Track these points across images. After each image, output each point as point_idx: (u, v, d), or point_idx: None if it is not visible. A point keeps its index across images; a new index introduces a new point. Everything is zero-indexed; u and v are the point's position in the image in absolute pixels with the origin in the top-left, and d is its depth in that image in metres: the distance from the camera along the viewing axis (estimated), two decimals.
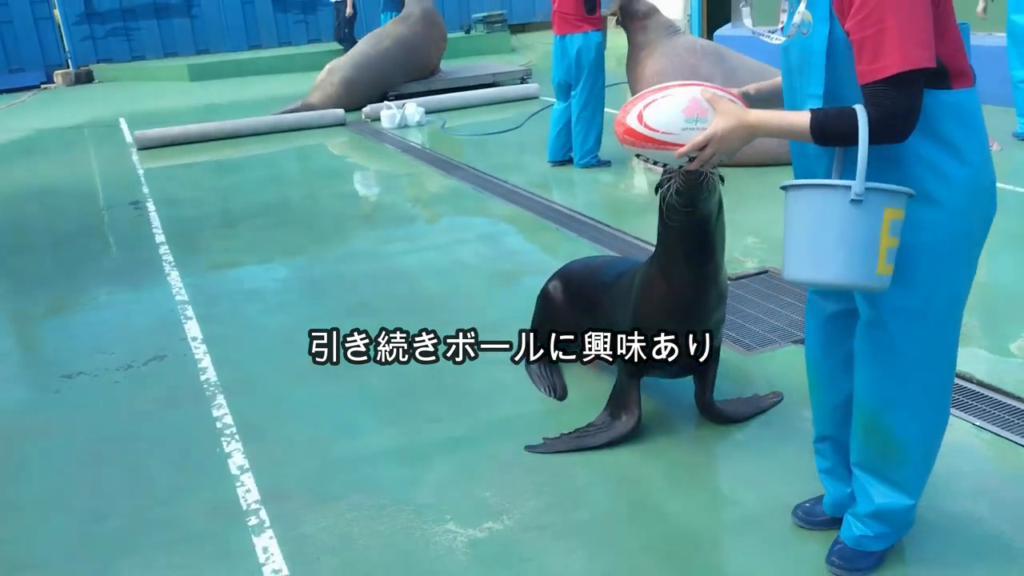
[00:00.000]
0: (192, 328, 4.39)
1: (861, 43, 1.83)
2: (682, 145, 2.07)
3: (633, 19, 7.08)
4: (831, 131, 1.90)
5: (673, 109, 2.08)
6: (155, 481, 3.05)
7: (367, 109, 10.72)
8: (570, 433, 3.09)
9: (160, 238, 6.09)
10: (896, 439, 2.14)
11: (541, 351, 3.39)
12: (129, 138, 10.18)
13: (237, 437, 3.29)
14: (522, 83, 12.21)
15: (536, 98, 11.35)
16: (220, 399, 3.61)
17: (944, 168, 1.92)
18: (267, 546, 2.64)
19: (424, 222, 6.24)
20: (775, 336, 3.83)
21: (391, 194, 7.14)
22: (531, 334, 3.67)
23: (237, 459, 3.14)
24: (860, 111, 1.86)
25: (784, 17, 2.09)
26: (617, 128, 2.19)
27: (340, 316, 4.43)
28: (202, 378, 3.83)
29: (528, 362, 3.65)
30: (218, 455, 3.19)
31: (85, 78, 16.96)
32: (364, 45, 11.58)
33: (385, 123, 10.14)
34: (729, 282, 3.26)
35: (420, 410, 3.41)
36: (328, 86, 11.05)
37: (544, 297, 3.72)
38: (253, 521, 2.77)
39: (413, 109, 10.20)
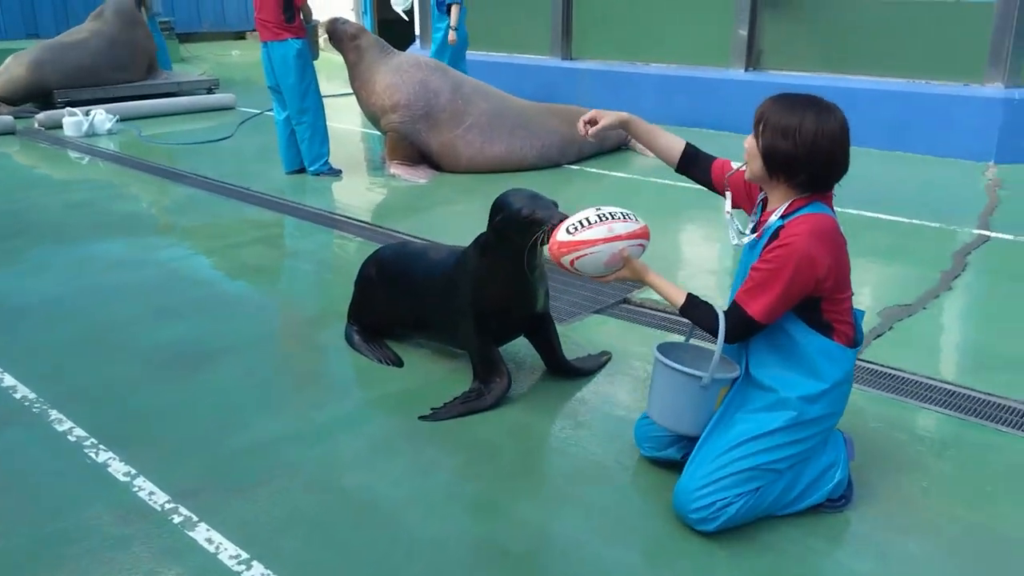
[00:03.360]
0: None
1: (752, 278, 2.51)
2: (595, 278, 2.83)
3: (343, 40, 7.41)
4: (693, 317, 2.66)
5: (597, 262, 2.74)
6: (34, 500, 2.76)
7: (42, 116, 9.67)
8: (454, 401, 3.37)
9: None
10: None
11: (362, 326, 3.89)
12: None
13: (103, 447, 3.06)
14: (210, 92, 11.80)
15: (233, 108, 11.06)
16: (56, 414, 3.29)
17: (810, 380, 2.58)
18: (210, 537, 2.57)
19: (183, 228, 5.93)
20: (577, 309, 4.42)
21: (127, 203, 6.62)
22: (355, 315, 3.94)
23: (118, 467, 2.94)
24: (721, 320, 2.54)
25: (751, 223, 2.70)
26: (550, 255, 2.82)
27: (146, 320, 4.21)
28: (16, 396, 3.43)
29: (353, 340, 3.89)
30: (92, 466, 2.95)
31: None
32: (62, 36, 11.07)
33: (69, 131, 9.23)
34: None
35: (297, 398, 3.45)
36: (16, 67, 10.09)
37: (362, 280, 3.95)
38: (177, 519, 2.65)
39: (103, 116, 9.41)
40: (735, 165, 2.86)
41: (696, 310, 2.63)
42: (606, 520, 2.67)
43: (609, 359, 3.78)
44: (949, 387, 3.48)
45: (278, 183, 7.22)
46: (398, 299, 3.76)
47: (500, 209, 3.21)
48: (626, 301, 4.51)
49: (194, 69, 14.50)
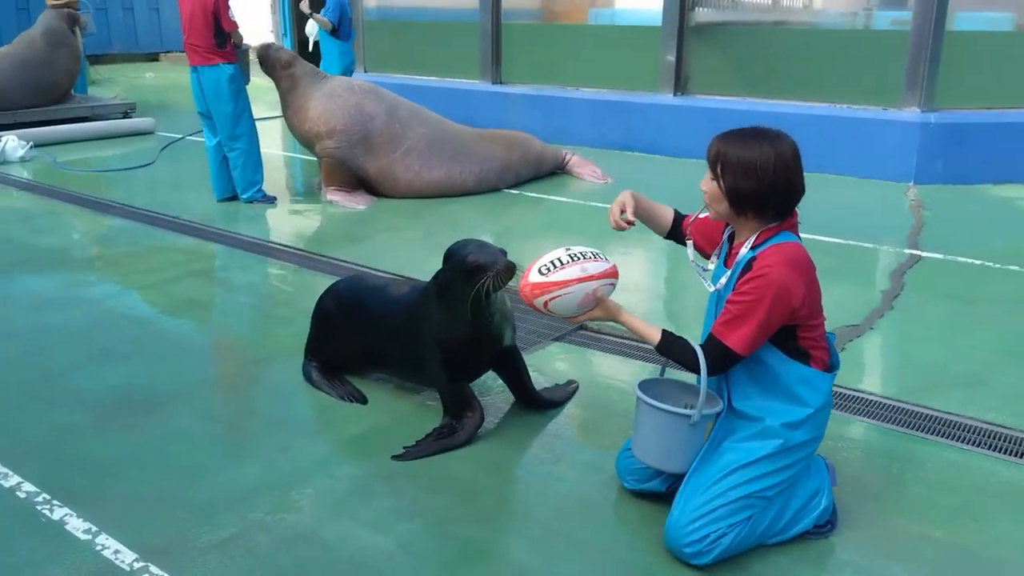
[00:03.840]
0: None
1: (728, 310, 2.52)
2: (567, 318, 2.76)
3: (275, 67, 7.27)
4: (672, 355, 2.64)
5: (571, 303, 2.69)
6: None
7: None
8: (426, 439, 3.28)
9: None
10: None
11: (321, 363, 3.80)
12: None
13: (57, 503, 2.86)
14: (126, 117, 11.38)
15: (152, 133, 10.68)
16: (1, 468, 3.06)
17: (792, 407, 2.60)
18: None
19: (113, 262, 5.65)
20: (536, 338, 4.39)
21: (49, 236, 6.27)
22: (313, 351, 3.82)
23: (76, 524, 2.74)
24: (700, 355, 2.56)
25: (713, 265, 2.74)
26: (522, 298, 2.72)
27: (86, 364, 3.98)
28: None
29: (312, 378, 3.77)
30: (48, 524, 2.74)
31: None
32: None
33: None
34: None
35: (261, 443, 3.30)
36: None
37: (319, 315, 3.84)
38: None
39: (15, 143, 8.96)
40: (692, 216, 2.91)
41: (673, 347, 2.63)
42: (598, 558, 2.63)
43: (577, 388, 3.76)
44: (908, 407, 3.58)
45: (210, 211, 6.99)
46: (359, 334, 3.66)
47: (448, 257, 3.20)
48: (584, 328, 4.50)
49: (107, 92, 13.98)
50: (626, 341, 4.28)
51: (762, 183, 2.49)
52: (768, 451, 2.58)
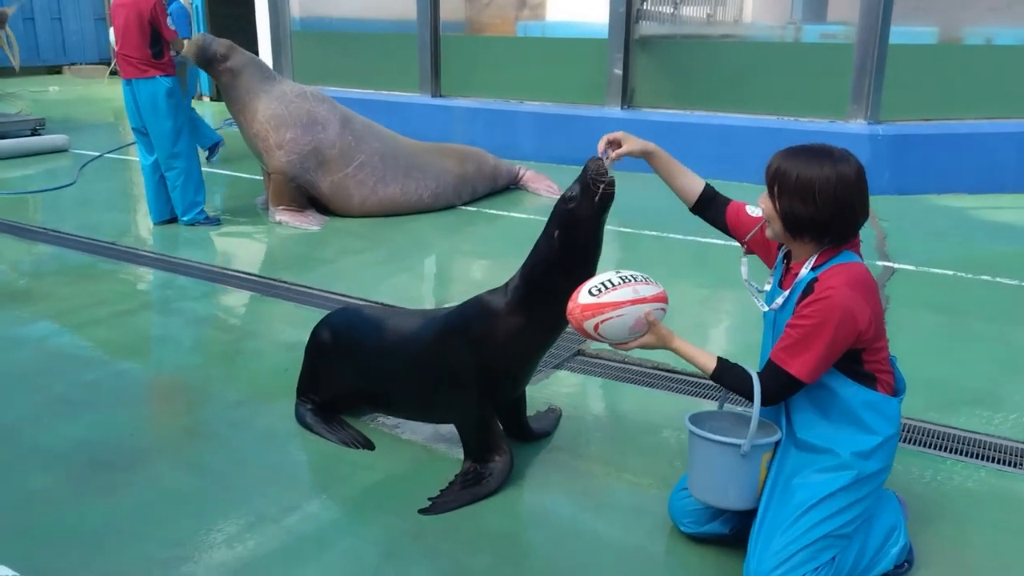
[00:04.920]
0: None
1: (789, 335, 2.36)
2: (617, 344, 2.55)
3: (213, 63, 6.77)
4: (726, 383, 2.46)
5: (623, 326, 2.50)
6: None
7: None
8: (451, 487, 2.99)
9: None
10: None
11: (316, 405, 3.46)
12: None
13: None
14: (35, 134, 10.58)
15: (66, 151, 9.95)
16: None
17: (861, 435, 2.44)
18: None
19: (52, 295, 5.08)
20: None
21: None
22: (308, 391, 3.48)
23: None
24: (756, 382, 2.39)
25: (768, 286, 2.57)
26: (572, 320, 2.53)
27: (42, 416, 3.53)
28: None
29: (308, 421, 3.44)
30: None
31: None
32: None
33: None
34: None
35: (262, 501, 2.93)
36: None
37: (315, 351, 3.49)
38: None
39: None
40: (750, 210, 2.75)
41: (729, 375, 2.45)
42: None
43: (560, 415, 3.52)
44: (935, 427, 3.48)
45: (149, 236, 6.48)
46: (364, 372, 3.32)
47: (566, 199, 2.84)
48: (580, 353, 4.28)
49: (10, 108, 13.03)
50: (628, 366, 4.07)
51: (820, 209, 2.33)
52: (843, 483, 2.41)
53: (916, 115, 8.28)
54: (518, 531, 2.79)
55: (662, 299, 2.57)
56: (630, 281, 2.54)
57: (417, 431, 3.43)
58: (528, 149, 9.63)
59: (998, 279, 5.47)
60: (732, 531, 2.64)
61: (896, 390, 2.53)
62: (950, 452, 3.29)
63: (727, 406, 2.74)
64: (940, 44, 8.82)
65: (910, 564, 2.58)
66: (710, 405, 3.67)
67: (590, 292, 2.52)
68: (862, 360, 2.42)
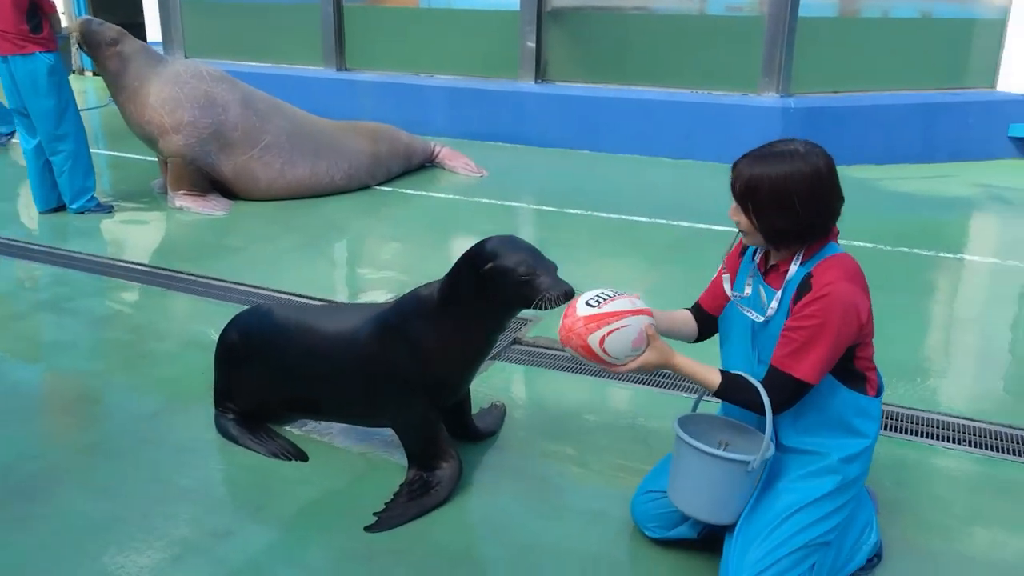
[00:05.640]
0: None
1: (791, 339, 2.22)
2: (616, 366, 2.32)
3: (100, 47, 6.25)
4: (731, 398, 2.31)
5: (627, 340, 2.28)
6: None
7: None
8: (396, 500, 2.77)
9: None
10: None
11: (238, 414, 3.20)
12: None
13: None
14: None
15: None
16: None
17: (848, 439, 2.34)
18: None
19: None
20: None
21: None
22: (225, 400, 3.20)
23: None
24: (763, 394, 2.23)
25: (749, 290, 2.40)
26: (571, 337, 2.29)
27: None
28: None
29: (231, 432, 3.16)
30: None
31: None
32: None
33: None
34: None
35: (190, 528, 2.63)
36: None
37: (227, 356, 3.20)
38: None
39: None
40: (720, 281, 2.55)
41: (734, 386, 2.30)
42: None
43: (504, 411, 3.35)
44: (887, 408, 3.47)
45: (34, 226, 5.94)
46: (288, 377, 3.05)
47: (490, 257, 2.60)
48: (517, 342, 4.11)
49: None
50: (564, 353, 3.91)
51: (801, 215, 2.21)
52: (828, 489, 2.31)
53: (824, 88, 8.41)
54: (474, 546, 2.60)
55: (650, 313, 2.39)
56: (623, 294, 2.36)
57: (352, 437, 3.19)
58: (440, 125, 9.34)
59: (915, 250, 5.58)
60: (700, 535, 2.52)
61: (879, 387, 2.45)
62: (892, 431, 3.27)
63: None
64: (841, 17, 8.96)
65: (879, 558, 2.52)
66: (656, 394, 3.56)
67: (588, 304, 2.32)
68: (854, 356, 2.32)
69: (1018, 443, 3.20)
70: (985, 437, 3.24)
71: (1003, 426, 3.33)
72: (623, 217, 6.23)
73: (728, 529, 2.37)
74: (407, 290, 2.91)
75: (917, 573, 2.49)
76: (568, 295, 2.47)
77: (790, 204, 2.20)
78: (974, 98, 8.48)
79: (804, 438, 2.35)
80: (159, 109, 6.31)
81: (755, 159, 2.26)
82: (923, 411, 3.43)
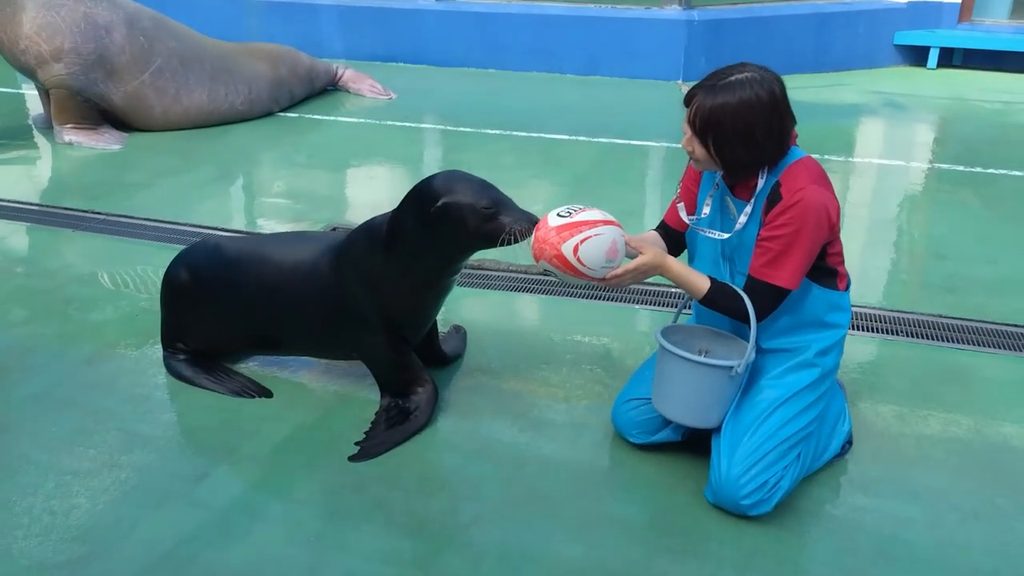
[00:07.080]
0: None
1: (768, 248, 2.24)
2: (593, 279, 2.28)
3: None
4: (718, 305, 2.34)
5: (600, 249, 2.24)
6: None
7: None
8: (375, 429, 2.71)
9: None
10: None
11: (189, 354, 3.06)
12: None
13: None
14: None
15: None
16: None
17: (822, 332, 2.41)
18: None
19: None
20: None
21: None
22: (175, 340, 3.04)
23: None
24: (748, 302, 2.26)
25: (708, 210, 2.42)
26: (544, 248, 2.25)
27: None
28: None
29: (184, 374, 3.01)
30: None
31: None
32: None
33: None
34: None
35: (160, 473, 2.51)
36: None
37: (174, 294, 3.04)
38: None
39: None
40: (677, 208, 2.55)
41: (722, 293, 2.33)
42: (653, 533, 2.31)
43: (466, 333, 3.33)
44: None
45: None
46: (245, 312, 2.90)
47: (437, 196, 2.49)
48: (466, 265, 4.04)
49: None
50: (514, 274, 3.89)
51: (763, 143, 2.22)
52: (807, 382, 2.41)
53: (723, 0, 8.48)
54: (465, 466, 2.58)
55: (620, 227, 2.35)
56: (590, 207, 2.32)
57: (316, 370, 3.08)
58: (336, 47, 8.95)
59: (826, 156, 5.78)
60: (684, 437, 2.58)
61: (848, 279, 2.53)
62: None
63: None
64: None
65: (851, 444, 2.66)
66: (610, 308, 3.60)
67: (559, 215, 2.28)
68: (826, 254, 2.37)
69: (953, 331, 3.42)
70: (922, 328, 3.44)
71: (934, 316, 3.53)
72: (544, 136, 6.17)
73: (714, 430, 2.44)
74: (337, 222, 2.78)
75: (884, 455, 2.64)
76: (533, 223, 2.41)
77: (751, 135, 2.20)
78: (863, 7, 8.75)
79: (782, 338, 2.43)
80: (35, 37, 5.76)
81: (711, 90, 2.21)
82: (859, 306, 3.59)
